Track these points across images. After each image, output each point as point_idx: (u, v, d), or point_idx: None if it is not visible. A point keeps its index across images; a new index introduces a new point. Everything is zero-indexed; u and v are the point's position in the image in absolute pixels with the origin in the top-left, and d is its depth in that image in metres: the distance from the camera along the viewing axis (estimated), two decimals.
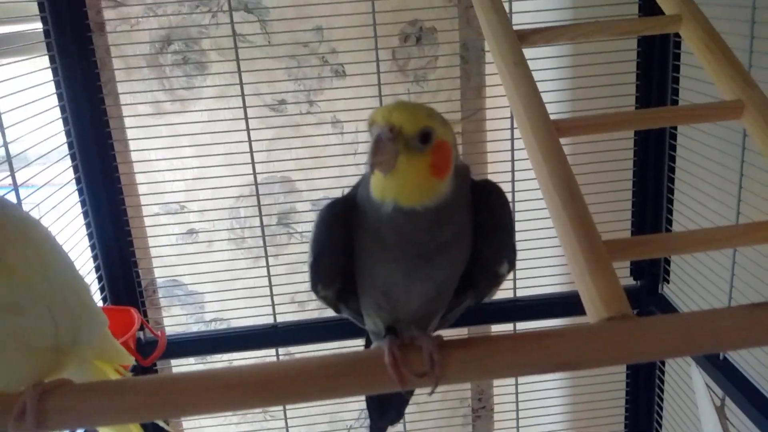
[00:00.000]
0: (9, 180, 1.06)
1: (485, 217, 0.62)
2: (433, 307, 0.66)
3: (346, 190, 0.65)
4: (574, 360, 0.57)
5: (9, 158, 1.06)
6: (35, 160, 1.22)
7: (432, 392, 0.57)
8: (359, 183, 0.64)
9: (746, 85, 0.81)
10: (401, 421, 1.62)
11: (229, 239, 1.65)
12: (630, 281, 1.52)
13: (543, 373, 0.56)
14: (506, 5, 1.33)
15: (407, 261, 0.60)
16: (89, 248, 1.40)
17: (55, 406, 0.56)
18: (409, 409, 0.94)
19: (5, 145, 1.06)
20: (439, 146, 0.55)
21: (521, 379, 1.62)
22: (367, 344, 0.80)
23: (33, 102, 1.20)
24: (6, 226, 0.58)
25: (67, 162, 1.34)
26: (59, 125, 1.32)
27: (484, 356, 0.57)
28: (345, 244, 0.63)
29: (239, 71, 1.32)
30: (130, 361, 0.79)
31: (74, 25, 1.27)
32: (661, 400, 1.57)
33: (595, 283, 0.60)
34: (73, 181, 1.36)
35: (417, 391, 0.84)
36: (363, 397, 1.80)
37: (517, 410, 1.65)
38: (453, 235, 0.60)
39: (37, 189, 1.20)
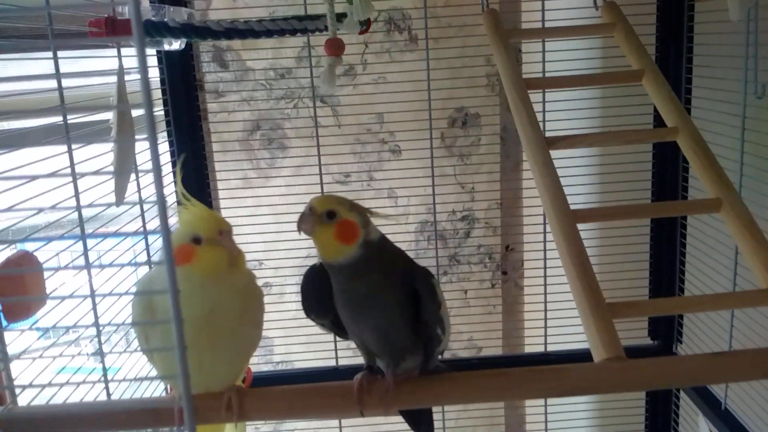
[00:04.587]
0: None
1: (418, 295, 0.84)
2: (388, 347, 0.86)
3: None
4: (580, 387, 0.80)
5: (142, 210, 1.33)
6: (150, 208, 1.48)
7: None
8: None
9: (724, 186, 1.04)
10: None
11: (297, 292, 1.90)
12: (648, 341, 1.72)
13: (556, 396, 0.80)
14: (539, 111, 1.59)
15: (347, 305, 0.84)
16: None
17: (249, 403, 0.82)
18: None
19: (140, 200, 1.33)
20: (342, 222, 0.80)
21: (550, 428, 1.81)
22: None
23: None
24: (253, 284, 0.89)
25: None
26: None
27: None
28: (325, 290, 0.86)
29: (319, 152, 1.60)
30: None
31: (189, 113, 1.58)
32: None
33: (599, 333, 0.84)
34: None
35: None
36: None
37: None
38: (371, 291, 0.82)
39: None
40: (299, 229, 0.81)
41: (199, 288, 0.80)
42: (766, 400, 1.28)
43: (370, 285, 0.82)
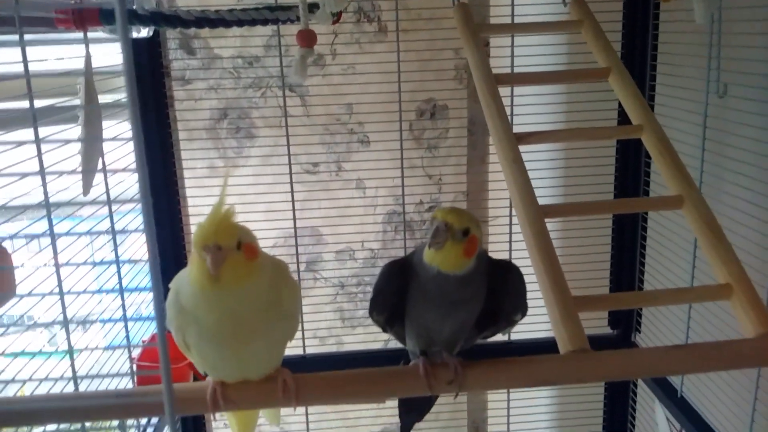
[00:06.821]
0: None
1: (507, 285, 0.90)
2: (457, 337, 0.92)
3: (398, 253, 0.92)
4: (549, 378, 0.83)
5: (109, 200, 1.30)
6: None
7: (456, 395, 0.86)
8: (414, 251, 0.91)
9: (686, 183, 1.07)
10: None
11: None
12: (608, 330, 1.77)
13: (527, 387, 0.82)
14: (508, 105, 1.61)
15: (443, 307, 0.87)
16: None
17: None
18: None
19: (107, 190, 1.30)
20: (471, 239, 0.84)
21: (512, 414, 1.86)
22: (406, 362, 1.05)
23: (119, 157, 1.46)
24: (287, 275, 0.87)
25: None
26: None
27: (489, 372, 0.83)
28: (398, 289, 0.90)
29: (288, 142, 1.60)
30: None
31: (156, 99, 1.56)
32: None
33: (564, 326, 0.86)
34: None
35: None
36: (377, 423, 2.04)
37: None
38: (471, 294, 0.88)
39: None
40: (431, 244, 0.83)
41: (204, 295, 0.78)
42: (719, 388, 1.33)
43: (473, 290, 0.87)
